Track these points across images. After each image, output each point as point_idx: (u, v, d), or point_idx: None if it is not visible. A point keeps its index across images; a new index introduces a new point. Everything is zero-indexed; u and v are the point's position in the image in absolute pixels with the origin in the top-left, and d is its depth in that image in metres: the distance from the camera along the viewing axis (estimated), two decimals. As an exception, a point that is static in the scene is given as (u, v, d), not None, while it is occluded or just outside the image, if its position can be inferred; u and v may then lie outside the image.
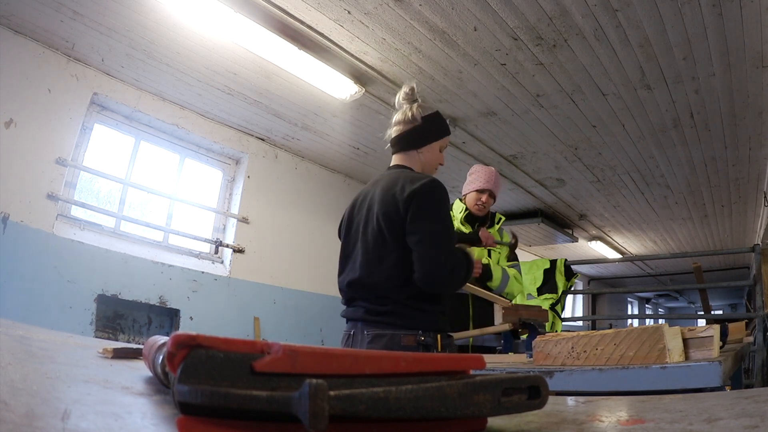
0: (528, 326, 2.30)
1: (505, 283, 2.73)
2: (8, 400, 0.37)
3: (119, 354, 0.80)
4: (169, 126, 4.20)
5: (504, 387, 0.36)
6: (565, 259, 5.18)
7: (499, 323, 2.33)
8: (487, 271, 2.66)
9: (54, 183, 3.44)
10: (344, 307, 1.88)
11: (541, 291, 5.01)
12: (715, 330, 1.46)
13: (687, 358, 1.43)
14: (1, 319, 1.23)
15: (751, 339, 4.05)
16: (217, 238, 4.56)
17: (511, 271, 2.81)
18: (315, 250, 5.16)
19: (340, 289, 1.88)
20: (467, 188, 2.92)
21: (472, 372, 0.43)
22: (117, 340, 3.75)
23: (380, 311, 1.74)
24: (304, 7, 2.93)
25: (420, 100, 1.93)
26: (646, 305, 17.07)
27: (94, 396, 0.45)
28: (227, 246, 4.54)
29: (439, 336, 1.76)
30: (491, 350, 2.66)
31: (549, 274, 5.07)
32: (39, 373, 0.54)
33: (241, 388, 0.31)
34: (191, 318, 4.12)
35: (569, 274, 5.13)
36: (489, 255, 2.84)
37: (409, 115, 1.88)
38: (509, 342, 2.37)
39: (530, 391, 0.38)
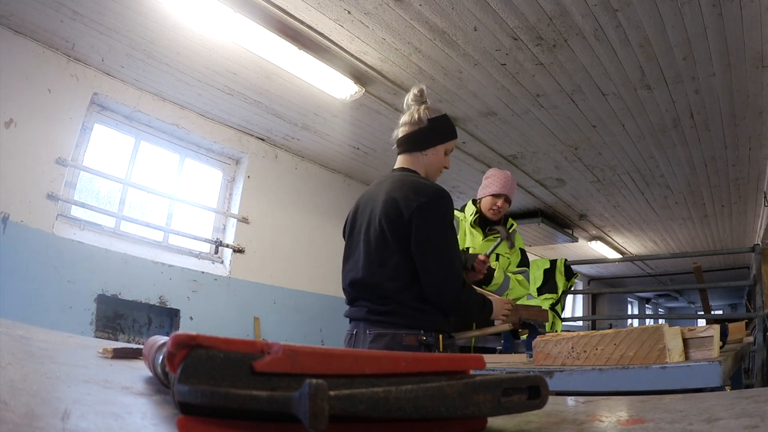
0: (528, 326, 2.30)
1: (503, 289, 2.73)
2: (8, 400, 0.37)
3: (119, 354, 0.80)
4: (169, 126, 4.20)
5: (504, 387, 0.36)
6: (565, 259, 5.18)
7: (499, 323, 2.33)
8: (489, 274, 2.65)
9: (54, 183, 3.44)
10: (347, 307, 1.90)
11: (541, 291, 5.00)
12: (715, 330, 1.46)
13: (687, 358, 1.43)
14: (1, 319, 1.23)
15: (751, 339, 4.05)
16: (217, 238, 4.56)
17: (517, 277, 2.80)
18: (315, 250, 5.16)
19: (344, 289, 1.90)
20: (483, 192, 2.90)
21: (472, 372, 0.43)
22: (117, 340, 3.75)
23: (382, 311, 1.75)
24: (304, 7, 2.93)
25: (429, 102, 1.93)
26: (646, 305, 17.06)
27: (94, 396, 0.45)
28: (227, 246, 4.54)
29: (440, 336, 1.76)
30: (491, 350, 2.66)
31: (549, 274, 5.07)
32: (39, 373, 0.54)
33: (241, 388, 0.31)
34: (191, 318, 4.12)
35: (569, 274, 5.12)
36: (497, 259, 2.83)
37: (416, 116, 1.88)
38: (509, 342, 2.37)
39: (530, 391, 0.38)
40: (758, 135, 4.30)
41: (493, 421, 0.44)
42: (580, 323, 10.42)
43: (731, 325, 2.42)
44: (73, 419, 0.34)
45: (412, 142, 1.90)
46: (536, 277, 5.05)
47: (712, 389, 1.25)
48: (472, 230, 2.89)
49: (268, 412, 0.30)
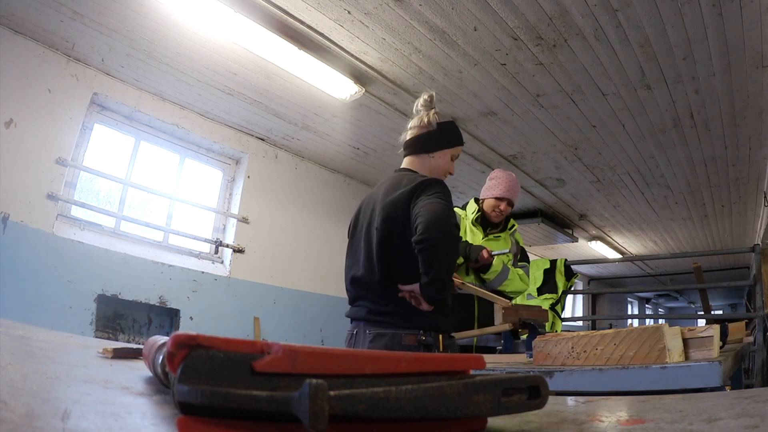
0: (528, 326, 2.30)
1: (501, 278, 2.73)
2: (8, 400, 0.37)
3: (119, 354, 0.80)
4: (169, 126, 4.20)
5: (504, 387, 0.36)
6: (565, 259, 5.18)
7: (499, 323, 2.33)
8: (488, 263, 2.66)
9: (54, 183, 3.44)
10: (347, 307, 1.91)
11: (541, 291, 5.01)
12: (715, 330, 1.46)
13: (687, 358, 1.43)
14: (1, 319, 1.23)
15: (751, 339, 4.05)
16: (217, 238, 4.56)
17: (517, 270, 2.81)
18: (315, 250, 5.16)
19: (346, 289, 1.91)
20: (486, 193, 2.92)
21: (472, 372, 0.43)
22: (117, 340, 3.75)
23: (382, 311, 1.76)
24: (304, 7, 2.93)
25: (438, 108, 1.96)
26: (646, 305, 17.06)
27: (94, 396, 0.45)
28: (227, 246, 4.54)
29: (440, 336, 1.77)
30: (491, 350, 2.66)
31: (549, 274, 5.07)
32: (39, 373, 0.54)
33: (241, 388, 0.31)
34: (191, 318, 4.12)
35: (569, 274, 5.13)
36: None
37: (426, 120, 1.93)
38: (509, 342, 2.37)
39: (530, 391, 0.38)
40: (758, 135, 4.30)
41: (493, 421, 0.44)
42: (580, 323, 10.42)
43: (731, 325, 2.43)
44: (73, 419, 0.34)
45: (419, 145, 1.93)
46: (536, 277, 5.05)
47: (712, 389, 1.25)
48: (473, 228, 2.90)
49: (268, 412, 0.30)
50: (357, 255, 1.86)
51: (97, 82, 3.69)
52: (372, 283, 1.77)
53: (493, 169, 3.19)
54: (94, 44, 3.37)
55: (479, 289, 2.53)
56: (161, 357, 0.47)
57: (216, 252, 4.57)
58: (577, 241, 7.70)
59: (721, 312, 15.14)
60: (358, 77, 3.63)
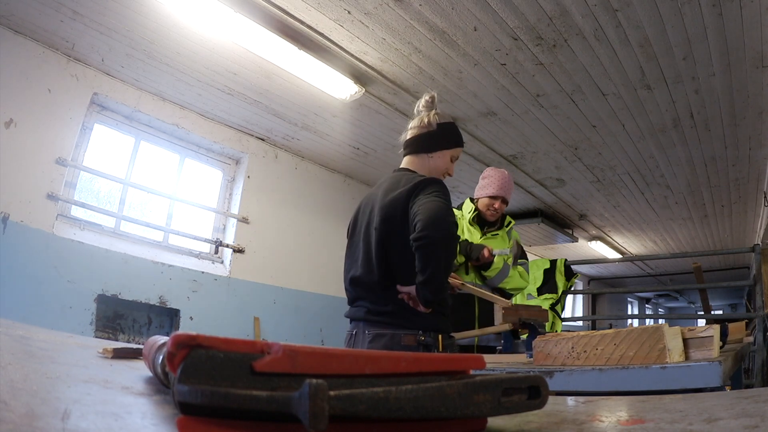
0: (528, 326, 2.31)
1: (502, 275, 2.74)
2: (8, 400, 0.37)
3: (119, 354, 0.80)
4: (169, 126, 4.20)
5: (504, 387, 0.36)
6: (565, 259, 5.18)
7: (499, 323, 2.34)
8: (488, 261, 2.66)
9: (54, 183, 3.44)
10: (347, 307, 1.91)
11: (541, 291, 5.01)
12: (715, 330, 1.46)
13: (687, 358, 1.43)
14: (1, 319, 1.23)
15: (751, 339, 4.05)
16: (217, 238, 4.56)
17: (518, 268, 2.81)
18: (315, 250, 5.16)
19: (345, 289, 1.91)
20: (480, 192, 2.92)
21: (472, 372, 0.43)
22: (117, 340, 3.75)
23: (381, 311, 1.76)
24: (304, 7, 2.93)
25: (438, 109, 1.96)
26: (646, 305, 17.06)
27: (94, 396, 0.45)
28: (227, 246, 4.54)
29: (440, 336, 1.77)
30: (492, 350, 2.67)
31: (549, 274, 5.07)
32: (39, 373, 0.54)
33: (241, 388, 0.31)
34: (191, 318, 4.12)
35: (569, 274, 5.13)
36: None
37: (426, 120, 1.93)
38: (509, 342, 2.37)
39: (530, 391, 0.38)
40: (758, 135, 4.30)
41: (493, 421, 0.44)
42: (580, 323, 10.42)
43: (731, 325, 2.43)
44: (73, 419, 0.34)
45: (419, 144, 1.93)
46: (536, 277, 5.06)
47: (712, 389, 1.25)
48: (471, 228, 2.90)
49: (268, 412, 0.30)
50: (356, 255, 1.86)
51: (97, 82, 3.69)
52: (371, 283, 1.77)
53: (486, 167, 3.19)
54: (94, 44, 3.37)
55: (479, 289, 2.53)
56: (161, 357, 0.47)
57: (216, 252, 4.57)
58: (577, 241, 7.70)
59: (721, 312, 15.15)
60: (358, 77, 3.63)
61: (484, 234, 2.90)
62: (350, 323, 1.87)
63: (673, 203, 6.32)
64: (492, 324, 2.50)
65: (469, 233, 2.91)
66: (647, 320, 16.06)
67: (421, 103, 1.97)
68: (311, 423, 0.27)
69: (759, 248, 4.81)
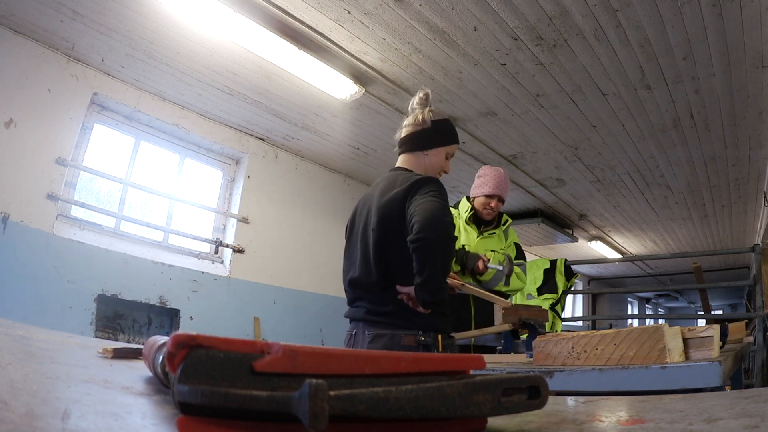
0: (528, 326, 2.31)
1: (497, 279, 2.73)
2: (8, 400, 0.37)
3: (119, 354, 0.80)
4: (169, 126, 4.20)
5: (504, 387, 0.36)
6: (565, 259, 5.19)
7: (499, 323, 2.34)
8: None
9: (54, 183, 3.44)
10: (347, 307, 1.91)
11: (541, 291, 5.01)
12: (715, 330, 1.46)
13: (687, 358, 1.43)
14: (1, 319, 1.23)
15: (751, 339, 4.05)
16: (217, 238, 4.56)
17: (515, 269, 2.81)
18: (315, 250, 5.16)
19: (345, 290, 1.91)
20: (476, 191, 2.91)
21: (472, 372, 0.43)
22: (117, 340, 3.75)
23: (380, 311, 1.75)
24: (304, 7, 2.93)
25: (432, 106, 1.95)
26: (646, 305, 17.06)
27: (94, 396, 0.45)
28: (227, 246, 4.54)
29: (440, 336, 1.76)
30: (492, 350, 2.67)
31: (549, 274, 5.08)
32: (39, 373, 0.54)
33: (241, 388, 0.31)
34: (191, 318, 4.12)
35: (569, 274, 5.13)
36: (492, 252, 2.84)
37: (420, 117, 1.91)
38: (509, 342, 2.37)
39: (530, 391, 0.38)
40: (758, 135, 4.30)
41: (493, 421, 0.44)
42: (580, 323, 10.42)
43: (731, 325, 2.43)
44: (73, 419, 0.34)
45: (414, 142, 1.92)
46: (536, 277, 5.06)
47: (712, 389, 1.25)
48: (467, 227, 2.90)
49: (268, 412, 0.30)
50: (354, 256, 1.86)
51: (97, 82, 3.69)
52: (370, 284, 1.77)
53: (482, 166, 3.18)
54: (94, 44, 3.37)
55: (479, 290, 2.53)
56: (161, 357, 0.47)
57: (216, 252, 4.57)
58: (577, 241, 7.70)
59: (721, 312, 15.15)
60: (358, 77, 3.63)
61: (480, 233, 2.90)
62: (350, 323, 1.87)
63: (673, 203, 6.32)
64: (489, 324, 2.50)
65: (465, 232, 2.90)
66: (647, 320, 16.06)
67: (416, 100, 1.96)
68: (311, 423, 0.27)
69: (759, 248, 4.81)
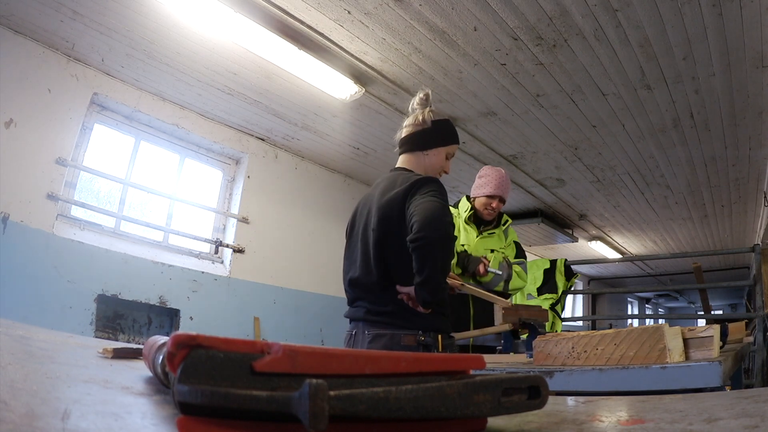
0: (528, 326, 2.30)
1: (497, 280, 2.73)
2: (8, 400, 0.37)
3: (119, 354, 0.80)
4: (169, 126, 4.20)
5: (504, 387, 0.36)
6: (565, 259, 5.18)
7: (499, 323, 2.33)
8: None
9: (54, 183, 3.44)
10: (347, 307, 1.91)
11: (541, 291, 5.01)
12: (715, 330, 1.46)
13: (687, 358, 1.43)
14: (1, 319, 1.23)
15: (751, 339, 4.05)
16: (217, 238, 4.56)
17: (515, 268, 2.81)
18: (315, 250, 5.16)
19: (345, 290, 1.91)
20: (477, 191, 2.91)
21: (472, 372, 0.43)
22: (117, 340, 3.75)
23: (380, 311, 1.76)
24: (304, 7, 2.93)
25: (433, 106, 1.95)
26: (646, 305, 17.06)
27: (94, 396, 0.45)
28: (227, 246, 4.54)
29: (440, 336, 1.76)
30: (491, 350, 2.66)
31: (549, 274, 5.07)
32: (39, 373, 0.54)
33: (241, 388, 0.31)
34: (191, 318, 4.12)
35: (569, 274, 5.13)
36: (491, 253, 2.84)
37: (420, 118, 1.92)
38: (509, 342, 2.37)
39: (530, 391, 0.38)
40: (758, 135, 4.30)
41: (493, 421, 0.44)
42: (580, 323, 10.42)
43: (731, 325, 2.43)
44: (73, 419, 0.34)
45: (414, 142, 1.92)
46: (536, 277, 5.06)
47: (712, 389, 1.25)
48: (467, 227, 2.90)
49: (268, 412, 0.30)
50: (354, 256, 1.86)
51: (97, 82, 3.69)
52: (370, 284, 1.77)
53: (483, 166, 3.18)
54: (94, 44, 3.37)
55: (479, 290, 2.53)
56: (161, 357, 0.47)
57: (216, 252, 4.57)
58: (577, 241, 7.70)
59: (721, 312, 15.15)
60: (358, 77, 3.63)
61: (480, 233, 2.90)
62: (350, 323, 1.87)
63: (673, 203, 6.32)
64: (489, 324, 2.50)
65: (465, 232, 2.90)
66: (647, 320, 16.06)
67: (416, 100, 1.96)
68: (311, 423, 0.27)
69: (759, 248, 4.81)
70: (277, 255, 4.86)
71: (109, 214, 3.95)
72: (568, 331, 3.04)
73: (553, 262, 5.13)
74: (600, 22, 2.93)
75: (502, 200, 2.87)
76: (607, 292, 12.70)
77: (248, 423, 0.32)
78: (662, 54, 3.21)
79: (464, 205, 2.98)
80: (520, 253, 2.98)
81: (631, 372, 1.36)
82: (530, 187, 5.89)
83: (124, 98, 3.85)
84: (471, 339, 2.71)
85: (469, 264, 2.67)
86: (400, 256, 1.71)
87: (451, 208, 2.84)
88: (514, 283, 2.80)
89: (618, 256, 8.86)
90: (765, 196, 5.48)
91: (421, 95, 1.96)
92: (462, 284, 2.42)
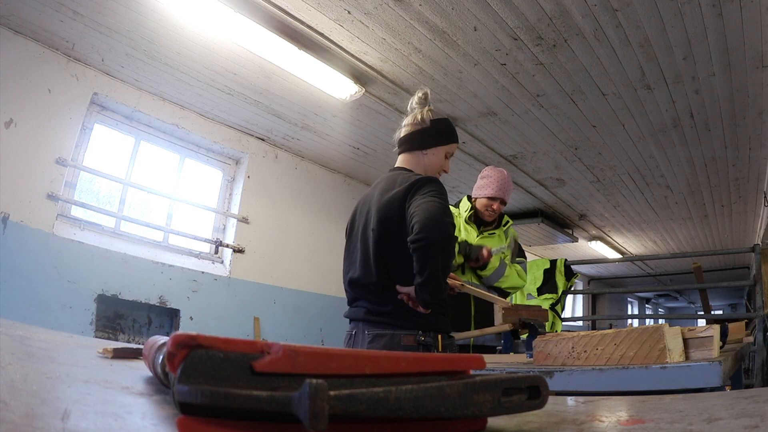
0: (528, 326, 2.31)
1: (498, 274, 2.73)
2: (8, 400, 0.37)
3: (119, 354, 0.80)
4: (169, 126, 4.20)
5: (504, 387, 0.36)
6: (565, 259, 5.18)
7: (499, 323, 2.34)
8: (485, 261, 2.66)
9: (54, 183, 3.44)
10: (347, 307, 1.91)
11: (541, 291, 5.01)
12: (715, 330, 1.46)
13: (687, 358, 1.43)
14: (1, 319, 1.23)
15: (751, 339, 4.05)
16: (217, 238, 4.56)
17: (515, 266, 2.81)
18: (315, 250, 5.16)
19: (345, 290, 1.91)
20: (478, 192, 2.90)
21: (472, 372, 0.43)
22: (117, 340, 3.75)
23: (380, 311, 1.75)
24: (304, 7, 2.93)
25: (431, 105, 1.95)
26: (646, 305, 17.07)
27: (94, 396, 0.45)
28: (227, 246, 4.54)
29: (440, 336, 1.76)
30: (492, 350, 2.66)
31: (549, 274, 5.07)
32: (39, 373, 0.54)
33: (241, 388, 0.31)
34: (191, 318, 4.12)
35: (569, 274, 5.13)
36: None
37: (419, 117, 1.91)
38: (509, 342, 2.37)
39: (530, 391, 0.38)
40: (758, 135, 4.30)
41: (493, 421, 0.44)
42: (580, 323, 10.42)
43: (731, 325, 2.43)
44: (73, 419, 0.34)
45: (413, 141, 1.92)
46: (536, 277, 5.06)
47: (712, 389, 1.25)
48: (467, 226, 2.90)
49: (268, 412, 0.30)
50: (354, 256, 1.86)
51: (97, 82, 3.69)
52: (369, 284, 1.77)
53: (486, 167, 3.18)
54: (94, 44, 3.37)
55: (479, 290, 2.53)
56: (161, 357, 0.47)
57: (216, 252, 4.57)
58: (577, 241, 7.70)
59: (721, 312, 15.15)
60: (358, 77, 3.63)
61: (480, 233, 2.90)
62: (350, 323, 1.87)
63: (673, 203, 6.32)
64: (489, 324, 2.50)
65: (465, 232, 2.90)
66: (647, 320, 16.06)
67: (414, 99, 1.96)
68: (311, 423, 0.27)
69: (759, 248, 4.81)
70: (277, 255, 4.86)
71: (109, 214, 3.95)
72: (568, 331, 3.04)
73: (553, 262, 5.13)
74: (600, 22, 2.93)
75: (503, 202, 2.87)
76: (607, 292, 12.71)
77: (248, 423, 0.32)
78: (662, 54, 3.21)
79: (465, 205, 2.98)
80: (520, 253, 2.98)
81: (631, 372, 1.36)
82: (530, 187, 5.89)
83: (124, 98, 3.85)
84: (471, 339, 2.71)
85: (471, 252, 2.66)
86: (400, 256, 1.71)
87: (451, 207, 2.84)
88: (513, 281, 2.79)
89: (618, 256, 8.87)
90: (765, 196, 5.48)
91: (420, 94, 1.95)
92: (462, 284, 2.42)
